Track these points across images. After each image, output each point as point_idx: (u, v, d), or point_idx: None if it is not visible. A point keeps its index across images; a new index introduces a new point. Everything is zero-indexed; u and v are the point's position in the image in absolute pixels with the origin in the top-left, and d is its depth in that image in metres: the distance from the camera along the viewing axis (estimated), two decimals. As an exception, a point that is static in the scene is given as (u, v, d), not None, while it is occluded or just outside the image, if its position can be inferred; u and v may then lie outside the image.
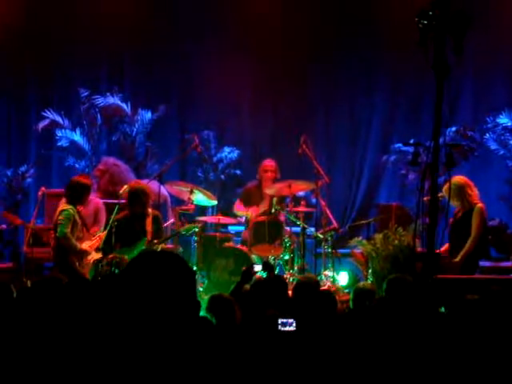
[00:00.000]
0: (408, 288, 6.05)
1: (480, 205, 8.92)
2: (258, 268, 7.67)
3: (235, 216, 11.26)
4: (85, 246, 9.24)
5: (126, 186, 10.09)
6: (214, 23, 13.36)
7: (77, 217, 9.19)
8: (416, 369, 4.21)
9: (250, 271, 7.22)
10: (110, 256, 9.20)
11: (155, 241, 9.20)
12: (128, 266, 3.24)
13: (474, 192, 8.97)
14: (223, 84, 13.34)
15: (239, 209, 11.12)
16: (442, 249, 8.65)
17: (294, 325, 4.81)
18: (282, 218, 10.62)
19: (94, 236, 9.44)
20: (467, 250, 8.81)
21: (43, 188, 11.43)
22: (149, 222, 9.28)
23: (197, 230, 10.23)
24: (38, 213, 11.19)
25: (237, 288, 6.93)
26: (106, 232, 9.37)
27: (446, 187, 8.36)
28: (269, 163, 11.18)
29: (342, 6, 13.49)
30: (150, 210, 9.37)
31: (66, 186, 9.42)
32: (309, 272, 10.10)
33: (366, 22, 13.21)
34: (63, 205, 9.24)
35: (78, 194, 9.24)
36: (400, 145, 12.82)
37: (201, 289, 9.83)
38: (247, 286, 6.87)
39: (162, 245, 9.36)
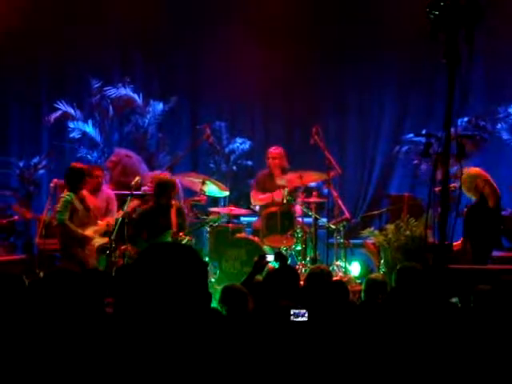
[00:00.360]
0: (418, 277, 6.05)
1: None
2: (270, 258, 7.68)
3: (247, 207, 11.27)
4: (89, 231, 9.29)
5: (138, 177, 10.14)
6: (227, 13, 13.31)
7: (76, 203, 9.25)
8: (426, 359, 4.21)
9: (262, 261, 7.23)
10: (123, 247, 9.28)
11: (180, 233, 9.25)
12: (138, 258, 3.25)
13: (488, 184, 8.95)
14: (235, 75, 13.32)
15: (259, 198, 11.04)
16: (455, 244, 8.63)
17: (306, 315, 4.82)
18: (298, 210, 10.59)
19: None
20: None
21: (55, 180, 11.44)
22: (173, 213, 9.34)
23: (221, 220, 10.33)
24: (51, 204, 11.22)
25: (248, 278, 6.95)
26: (115, 217, 9.45)
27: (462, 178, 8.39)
28: (274, 150, 11.15)
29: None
30: (173, 202, 9.44)
31: (64, 174, 9.52)
32: (321, 262, 10.10)
33: (378, 12, 13.14)
34: (63, 193, 9.33)
35: (74, 180, 9.31)
36: (412, 135, 12.80)
37: (213, 280, 9.86)
38: (259, 277, 6.89)
39: (188, 236, 9.41)
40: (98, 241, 9.33)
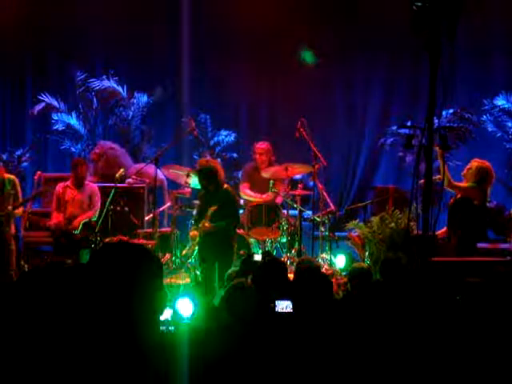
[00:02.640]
0: (401, 268, 6.05)
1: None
2: (257, 258, 7.67)
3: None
4: None
5: (122, 170, 10.12)
6: (212, 6, 13.26)
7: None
8: (412, 350, 4.20)
9: (250, 260, 7.21)
10: (106, 240, 9.29)
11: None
12: (92, 257, 3.25)
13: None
14: (219, 67, 13.29)
15: (248, 194, 11.01)
16: (439, 232, 8.65)
17: (291, 307, 4.81)
18: (279, 200, 10.60)
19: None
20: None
21: (40, 172, 11.42)
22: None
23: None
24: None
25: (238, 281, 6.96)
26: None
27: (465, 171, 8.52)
28: (260, 146, 11.13)
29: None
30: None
31: None
32: (305, 254, 10.09)
33: (365, 4, 13.13)
34: None
35: None
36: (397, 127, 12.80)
37: (198, 272, 9.82)
38: (249, 281, 6.84)
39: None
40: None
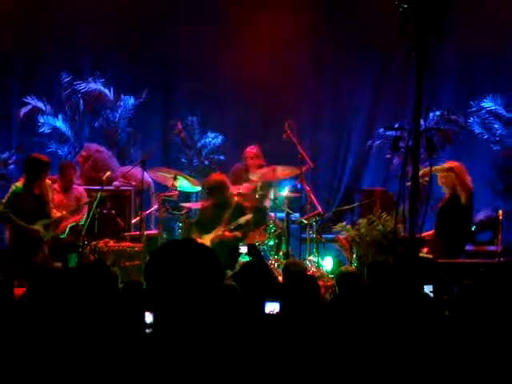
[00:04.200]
0: (388, 271, 6.05)
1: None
2: (243, 250, 7.68)
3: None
4: (37, 225, 9.22)
5: (108, 172, 10.09)
6: (200, 10, 13.25)
7: (26, 195, 9.19)
8: (398, 352, 4.19)
9: (235, 253, 7.24)
10: (93, 243, 9.27)
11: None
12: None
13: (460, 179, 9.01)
14: (207, 69, 13.28)
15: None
16: (425, 234, 8.66)
17: (279, 308, 4.80)
18: (266, 202, 10.59)
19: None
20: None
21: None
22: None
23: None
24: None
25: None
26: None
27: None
28: (250, 150, 11.19)
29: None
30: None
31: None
32: (292, 257, 10.08)
33: (353, 8, 13.13)
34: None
35: (30, 171, 9.27)
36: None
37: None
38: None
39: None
40: (46, 234, 9.26)
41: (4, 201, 9.24)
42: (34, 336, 3.76)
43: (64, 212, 9.45)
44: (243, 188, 10.49)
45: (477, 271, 7.17)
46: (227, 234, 9.39)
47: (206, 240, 9.45)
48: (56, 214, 9.36)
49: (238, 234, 9.42)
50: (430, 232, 9.06)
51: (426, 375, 4.09)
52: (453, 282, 5.88)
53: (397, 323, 4.42)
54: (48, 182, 9.45)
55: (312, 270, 9.94)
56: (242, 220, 9.42)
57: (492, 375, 4.01)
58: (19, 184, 9.30)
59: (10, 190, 9.28)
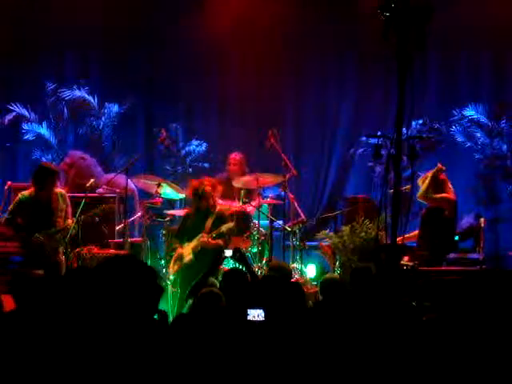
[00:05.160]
0: (371, 278, 6.08)
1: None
2: (228, 253, 7.70)
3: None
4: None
5: (92, 180, 10.09)
6: (185, 15, 13.25)
7: (31, 202, 9.18)
8: (380, 357, 4.23)
9: (220, 256, 7.30)
10: (77, 250, 9.28)
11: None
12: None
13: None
14: (191, 77, 13.31)
15: (219, 203, 11.03)
16: (407, 235, 8.69)
17: (263, 315, 4.82)
18: (251, 210, 10.62)
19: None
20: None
21: (10, 182, 11.34)
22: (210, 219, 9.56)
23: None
24: (4, 207, 11.08)
25: (208, 273, 7.06)
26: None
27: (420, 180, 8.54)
28: (233, 156, 11.29)
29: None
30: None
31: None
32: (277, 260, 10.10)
33: (336, 21, 13.18)
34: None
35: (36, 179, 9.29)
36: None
37: (169, 282, 9.80)
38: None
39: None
40: (51, 243, 9.23)
41: (9, 209, 9.36)
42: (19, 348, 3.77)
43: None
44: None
45: (457, 281, 7.22)
46: (210, 241, 9.39)
47: (188, 248, 9.45)
48: (69, 222, 9.35)
49: (219, 241, 9.42)
50: (415, 232, 9.12)
51: (406, 379, 4.14)
52: (434, 290, 5.92)
53: (379, 329, 4.46)
54: (61, 190, 9.46)
55: (295, 277, 9.98)
56: (224, 228, 9.41)
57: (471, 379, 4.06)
58: (26, 192, 9.32)
59: (16, 199, 9.31)
